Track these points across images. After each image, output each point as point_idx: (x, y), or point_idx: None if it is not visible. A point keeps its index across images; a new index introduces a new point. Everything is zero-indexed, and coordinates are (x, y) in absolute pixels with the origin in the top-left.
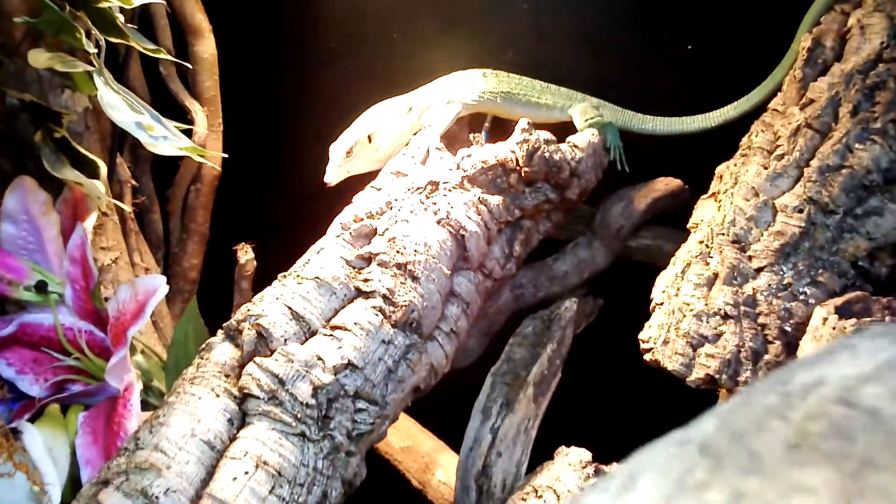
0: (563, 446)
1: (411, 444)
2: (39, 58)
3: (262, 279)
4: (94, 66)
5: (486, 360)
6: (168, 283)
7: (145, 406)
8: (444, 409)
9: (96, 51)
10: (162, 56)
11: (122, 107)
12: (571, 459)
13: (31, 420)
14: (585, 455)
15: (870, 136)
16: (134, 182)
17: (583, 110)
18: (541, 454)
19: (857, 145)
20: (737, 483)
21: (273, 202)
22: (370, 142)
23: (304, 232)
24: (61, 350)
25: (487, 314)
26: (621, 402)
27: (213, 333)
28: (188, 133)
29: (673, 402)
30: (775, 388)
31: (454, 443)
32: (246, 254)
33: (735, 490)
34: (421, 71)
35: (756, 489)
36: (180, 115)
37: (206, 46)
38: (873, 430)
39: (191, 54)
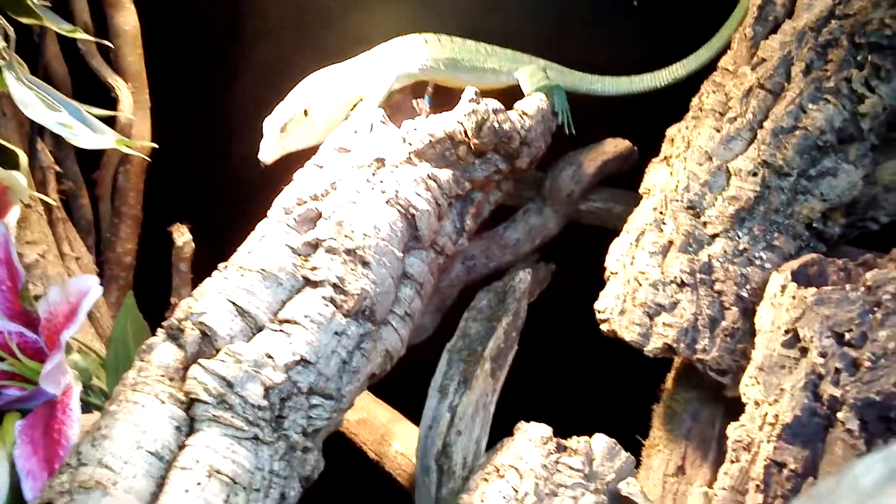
0: (523, 422)
1: (366, 416)
2: None
3: (202, 260)
4: (4, 58)
5: (441, 331)
6: (102, 269)
7: (86, 407)
8: (399, 379)
9: (5, 44)
10: (79, 36)
11: (36, 104)
12: (532, 435)
13: None
14: (545, 431)
15: (823, 96)
16: (57, 168)
17: (530, 73)
18: (500, 428)
19: (810, 105)
20: None
21: (209, 178)
22: (306, 116)
23: (244, 208)
24: None
25: (440, 288)
26: (579, 371)
27: (155, 321)
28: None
29: (630, 369)
30: None
31: (410, 413)
32: (182, 235)
33: None
34: (360, 38)
35: None
36: (104, 93)
37: (127, 18)
38: None
39: (111, 27)
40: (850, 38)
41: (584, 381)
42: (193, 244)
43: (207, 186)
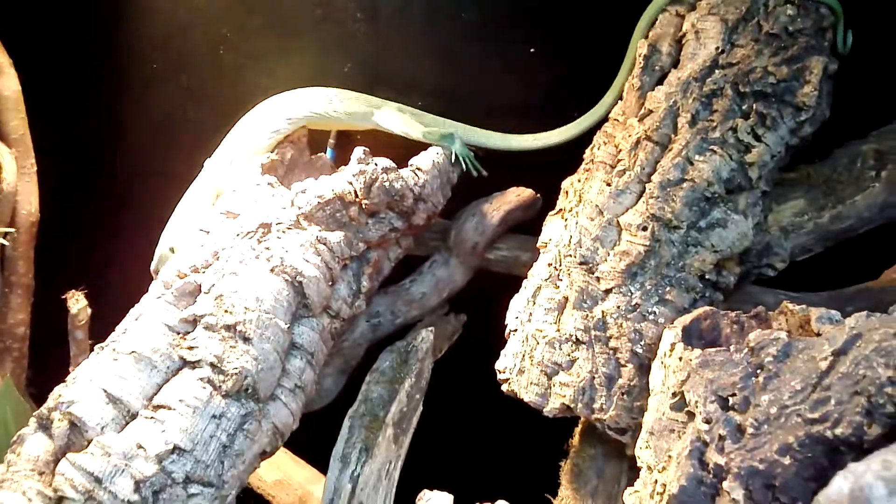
0: (426, 490)
1: (284, 477)
2: None
3: (101, 324)
4: None
5: (354, 391)
6: None
7: None
8: (317, 436)
9: None
10: None
11: None
12: None
13: None
14: (447, 500)
15: (709, 147)
16: None
17: (405, 121)
18: (407, 494)
19: (696, 157)
20: None
21: (104, 240)
22: (174, 252)
23: (141, 267)
24: None
25: (343, 349)
26: (490, 425)
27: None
28: None
29: (541, 423)
30: None
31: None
32: (77, 302)
33: None
34: (253, 85)
35: None
36: None
37: (8, 83)
38: None
39: None
40: (735, 88)
41: (496, 436)
42: (90, 310)
43: (103, 246)
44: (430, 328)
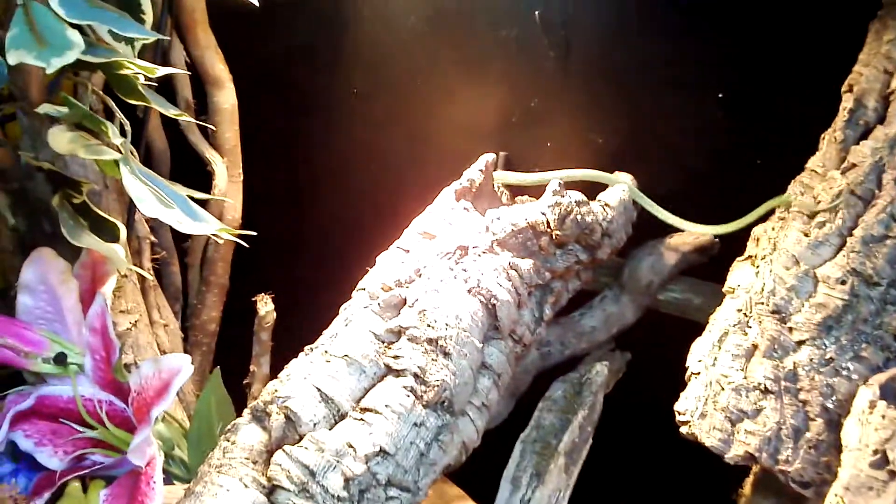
0: None
1: (433, 494)
2: (60, 140)
3: (282, 331)
4: (120, 152)
5: (515, 416)
6: (186, 335)
7: (167, 478)
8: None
9: (122, 140)
10: (184, 118)
11: (149, 199)
12: None
13: (53, 501)
14: None
15: None
16: (153, 238)
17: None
18: None
19: None
20: None
21: (294, 251)
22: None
23: (320, 277)
24: (81, 422)
25: (514, 374)
26: (653, 465)
27: (234, 386)
28: (209, 184)
29: (705, 466)
30: None
31: (476, 493)
32: (265, 305)
33: None
34: (453, 118)
35: None
36: (199, 164)
37: (227, 97)
38: None
39: (211, 105)
40: None
41: (659, 476)
42: (276, 314)
43: (293, 256)
44: (604, 362)
